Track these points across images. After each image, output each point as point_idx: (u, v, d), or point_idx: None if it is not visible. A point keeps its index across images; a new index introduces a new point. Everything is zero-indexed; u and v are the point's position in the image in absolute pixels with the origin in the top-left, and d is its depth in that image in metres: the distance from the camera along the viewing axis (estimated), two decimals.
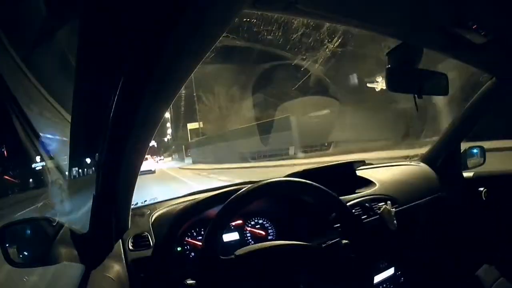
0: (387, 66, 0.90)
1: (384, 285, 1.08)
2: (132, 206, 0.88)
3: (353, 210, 1.05)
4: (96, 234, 0.81)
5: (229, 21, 0.49)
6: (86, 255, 0.79)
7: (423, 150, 1.57)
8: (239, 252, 0.70)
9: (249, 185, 0.72)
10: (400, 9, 0.64)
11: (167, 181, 9.76)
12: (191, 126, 21.44)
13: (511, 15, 0.67)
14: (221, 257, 0.68)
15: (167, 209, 0.97)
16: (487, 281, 1.04)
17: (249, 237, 1.04)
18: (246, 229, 1.04)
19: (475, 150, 1.49)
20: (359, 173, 1.26)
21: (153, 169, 13.66)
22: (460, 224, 1.39)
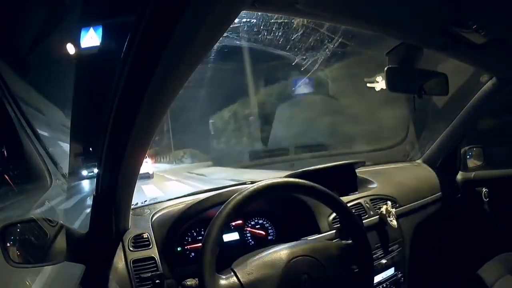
0: (387, 66, 0.90)
1: (384, 285, 1.08)
2: (132, 206, 0.88)
3: (353, 210, 1.05)
4: (96, 234, 0.81)
5: (229, 21, 0.49)
6: (86, 255, 0.79)
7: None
8: (237, 268, 0.69)
9: (249, 186, 0.72)
10: (400, 9, 0.64)
11: None
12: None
13: (511, 15, 0.67)
14: (218, 275, 0.67)
15: (167, 209, 0.97)
16: (488, 280, 1.04)
17: (249, 237, 1.04)
18: (246, 229, 1.04)
19: (475, 151, 1.49)
20: (359, 173, 1.26)
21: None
22: (460, 224, 1.39)
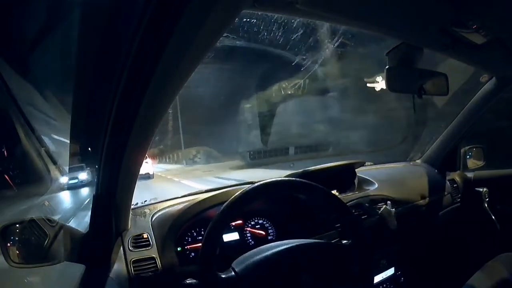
0: (387, 66, 0.90)
1: (384, 285, 1.08)
2: (132, 206, 0.88)
3: (353, 210, 1.05)
4: (96, 234, 0.81)
5: (229, 21, 0.49)
6: (86, 255, 0.79)
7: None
8: (238, 267, 0.68)
9: (249, 185, 0.72)
10: (400, 9, 0.64)
11: None
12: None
13: (511, 15, 0.67)
14: (219, 273, 0.66)
15: (167, 209, 0.97)
16: (488, 280, 1.04)
17: (249, 237, 1.04)
18: (246, 229, 1.04)
19: (475, 151, 1.49)
20: (359, 173, 1.26)
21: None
22: (460, 224, 1.39)
